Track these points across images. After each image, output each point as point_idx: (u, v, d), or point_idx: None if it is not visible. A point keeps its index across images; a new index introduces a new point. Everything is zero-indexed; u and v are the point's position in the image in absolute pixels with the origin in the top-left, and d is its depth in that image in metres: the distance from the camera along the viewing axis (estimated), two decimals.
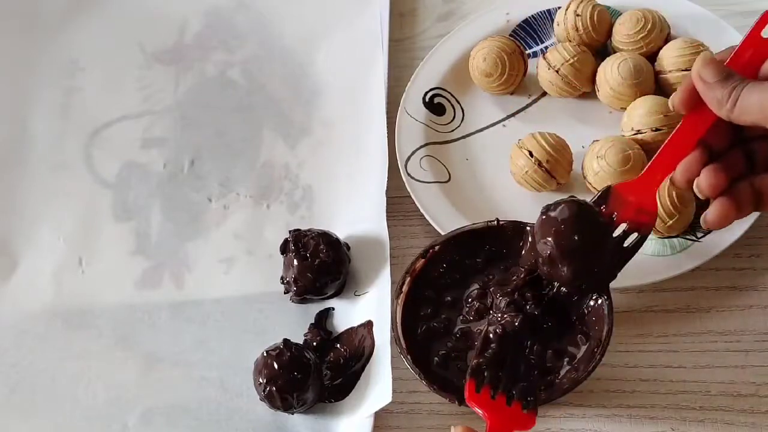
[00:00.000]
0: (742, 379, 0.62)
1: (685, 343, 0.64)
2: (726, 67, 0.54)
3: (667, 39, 0.73)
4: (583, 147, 0.71)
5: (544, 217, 0.58)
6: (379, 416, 0.62)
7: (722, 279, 0.66)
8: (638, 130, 0.68)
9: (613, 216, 0.58)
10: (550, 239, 0.57)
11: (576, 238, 0.56)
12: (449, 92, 0.77)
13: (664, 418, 0.61)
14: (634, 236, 0.58)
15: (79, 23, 0.87)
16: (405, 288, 0.63)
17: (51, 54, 0.86)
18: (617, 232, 0.58)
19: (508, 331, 0.59)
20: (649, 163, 0.58)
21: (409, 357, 0.60)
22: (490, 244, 0.65)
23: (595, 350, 0.59)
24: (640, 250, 0.65)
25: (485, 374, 0.56)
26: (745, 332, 0.64)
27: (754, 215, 0.65)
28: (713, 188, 0.56)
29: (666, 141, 0.57)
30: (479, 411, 0.54)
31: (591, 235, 0.57)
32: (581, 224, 0.56)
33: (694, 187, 0.56)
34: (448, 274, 0.64)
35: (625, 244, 0.58)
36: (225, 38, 0.85)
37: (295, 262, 0.67)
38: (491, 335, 0.59)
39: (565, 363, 0.60)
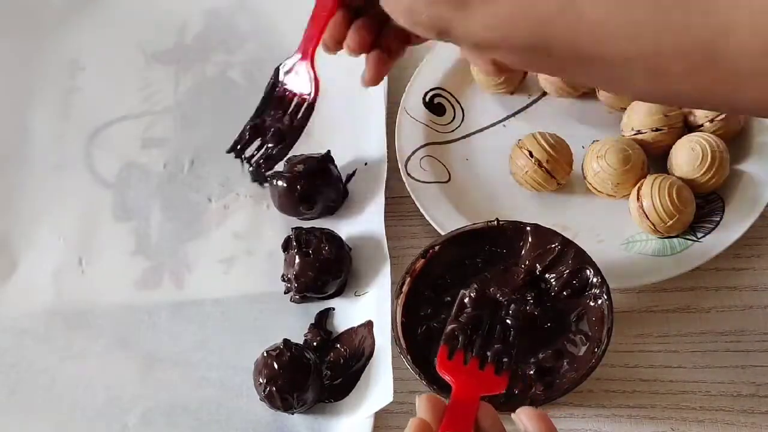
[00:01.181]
0: (742, 379, 0.62)
1: (685, 343, 0.64)
2: None
3: None
4: (583, 147, 0.71)
5: None
6: (379, 416, 0.62)
7: (722, 279, 0.66)
8: (638, 130, 0.68)
9: (286, 93, 0.69)
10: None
11: None
12: (449, 92, 0.77)
13: (664, 418, 0.61)
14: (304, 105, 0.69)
15: (79, 23, 0.87)
16: (405, 288, 0.63)
17: (51, 54, 0.86)
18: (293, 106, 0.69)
19: (483, 295, 0.59)
20: (303, 35, 0.65)
21: (409, 357, 0.60)
22: (490, 244, 0.65)
23: (595, 350, 0.59)
24: (640, 251, 0.66)
25: (459, 339, 0.56)
26: (745, 332, 0.64)
27: (755, 216, 0.65)
28: (360, 45, 0.59)
29: (313, 10, 0.62)
30: (447, 377, 0.53)
31: None
32: None
33: (345, 49, 0.60)
34: (448, 274, 0.64)
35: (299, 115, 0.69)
36: (225, 39, 0.85)
37: (297, 259, 0.67)
38: (466, 299, 0.59)
39: (565, 363, 0.60)
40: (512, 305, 0.59)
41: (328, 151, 0.72)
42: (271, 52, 0.83)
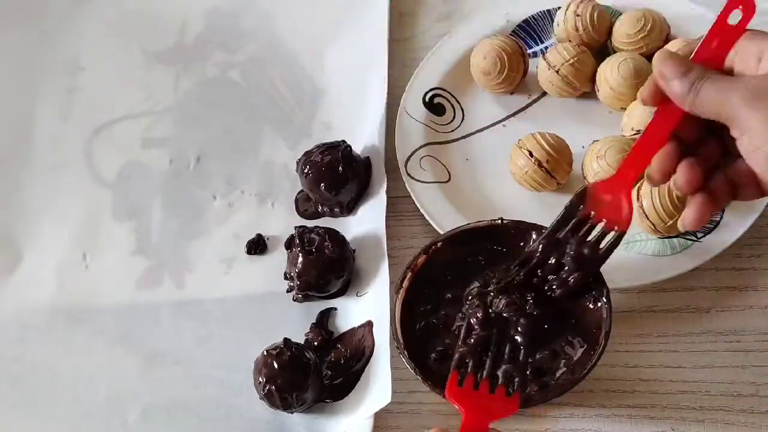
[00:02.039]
0: (742, 379, 0.62)
1: (685, 343, 0.64)
2: (686, 60, 0.53)
3: (667, 39, 0.73)
4: (583, 147, 0.71)
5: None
6: (379, 416, 0.62)
7: (722, 279, 0.66)
8: (638, 131, 0.68)
9: (590, 215, 0.58)
10: None
11: None
12: (449, 92, 0.77)
13: (664, 418, 0.61)
14: (611, 234, 0.58)
15: (79, 23, 0.87)
16: (405, 283, 0.63)
17: (52, 54, 0.86)
18: (595, 233, 0.58)
19: (490, 313, 0.59)
20: (624, 160, 0.57)
21: (405, 353, 0.60)
22: (492, 243, 0.65)
23: (592, 353, 0.59)
24: (640, 251, 0.66)
25: (469, 364, 0.56)
26: (745, 332, 0.64)
27: (754, 215, 0.65)
28: (689, 184, 0.55)
29: (639, 137, 0.56)
30: (456, 406, 0.53)
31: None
32: None
33: (671, 183, 0.56)
34: (449, 272, 0.64)
35: (602, 245, 0.58)
36: (225, 39, 0.85)
37: (300, 258, 0.67)
38: (473, 320, 0.59)
39: (561, 364, 0.60)
40: (521, 320, 0.59)
41: (368, 158, 0.74)
42: (273, 53, 0.84)
